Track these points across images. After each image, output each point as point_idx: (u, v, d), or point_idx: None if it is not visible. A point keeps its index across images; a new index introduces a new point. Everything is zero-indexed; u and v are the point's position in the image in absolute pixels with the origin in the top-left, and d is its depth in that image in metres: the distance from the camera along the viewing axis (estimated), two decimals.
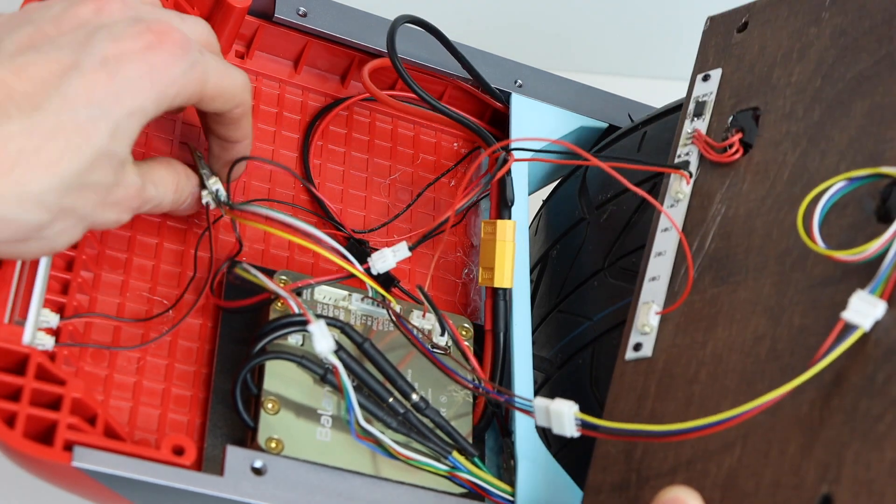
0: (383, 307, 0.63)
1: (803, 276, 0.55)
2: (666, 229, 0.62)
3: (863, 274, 0.52)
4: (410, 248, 0.62)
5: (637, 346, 0.60)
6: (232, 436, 0.59)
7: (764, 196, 0.59)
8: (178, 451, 0.54)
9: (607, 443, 0.58)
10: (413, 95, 0.70)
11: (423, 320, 0.64)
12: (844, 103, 0.58)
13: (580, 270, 0.72)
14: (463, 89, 0.73)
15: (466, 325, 0.66)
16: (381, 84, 0.72)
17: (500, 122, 0.74)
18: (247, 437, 0.59)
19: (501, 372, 0.65)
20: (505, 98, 0.73)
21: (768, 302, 0.56)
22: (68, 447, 0.52)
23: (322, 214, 0.68)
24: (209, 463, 0.58)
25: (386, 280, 0.64)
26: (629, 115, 0.76)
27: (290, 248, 0.66)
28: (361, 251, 0.65)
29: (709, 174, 0.62)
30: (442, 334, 0.64)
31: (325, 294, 0.64)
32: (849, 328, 0.50)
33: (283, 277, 0.63)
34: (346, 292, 0.64)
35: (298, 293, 0.63)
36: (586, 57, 1.13)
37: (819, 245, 0.52)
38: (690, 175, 0.63)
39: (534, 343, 0.72)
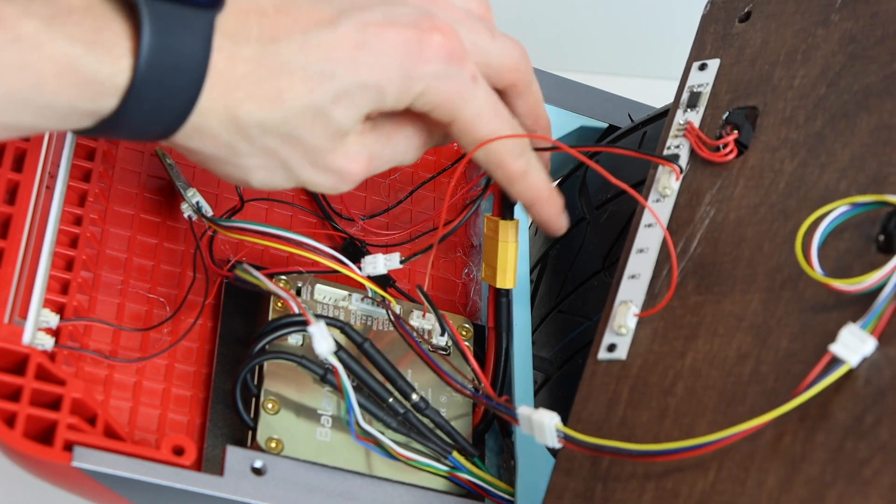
0: (383, 307, 0.63)
1: (794, 296, 0.52)
2: (650, 225, 0.59)
3: (857, 305, 0.50)
4: (402, 262, 0.62)
5: (611, 347, 0.57)
6: (232, 436, 0.59)
7: (757, 204, 0.56)
8: (178, 451, 0.54)
9: None
10: None
11: (423, 320, 0.64)
12: (849, 117, 0.55)
13: (580, 270, 0.71)
14: None
15: (466, 325, 0.66)
16: None
17: None
18: (247, 437, 0.59)
19: (504, 370, 0.65)
20: None
21: (755, 319, 0.53)
22: (68, 447, 0.52)
23: (321, 214, 0.68)
24: (209, 463, 0.58)
25: (381, 279, 0.64)
26: (629, 115, 0.75)
27: None
28: (358, 251, 0.65)
29: (699, 172, 0.59)
30: (442, 334, 0.64)
31: (325, 294, 0.64)
32: (835, 362, 0.48)
33: (283, 277, 0.63)
34: (346, 292, 0.64)
35: (298, 293, 0.63)
36: (586, 57, 1.13)
37: (816, 271, 0.50)
38: (681, 170, 0.59)
39: (534, 343, 0.72)
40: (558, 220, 0.61)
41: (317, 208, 0.68)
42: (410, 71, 0.53)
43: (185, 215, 0.62)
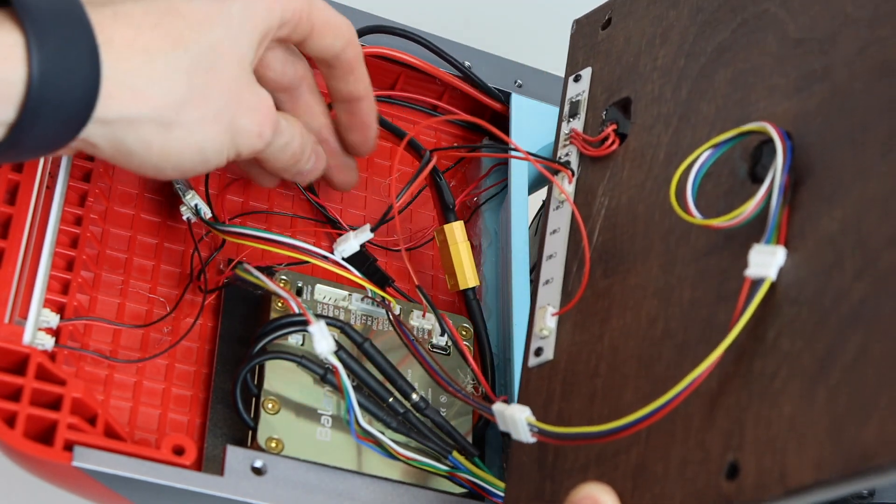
0: (383, 307, 0.63)
1: (688, 250, 0.55)
2: (554, 231, 0.62)
3: (745, 235, 0.52)
4: (372, 230, 0.63)
5: (538, 352, 0.59)
6: (232, 436, 0.59)
7: (643, 180, 0.59)
8: (179, 450, 0.54)
9: (520, 453, 0.57)
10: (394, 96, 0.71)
11: (423, 320, 0.65)
12: (708, 76, 0.58)
13: None
14: (462, 91, 0.72)
15: (466, 325, 0.66)
16: (381, 83, 0.72)
17: (499, 123, 0.73)
18: (247, 436, 0.59)
19: (492, 369, 0.65)
20: (505, 98, 0.73)
21: (657, 283, 0.56)
22: (68, 447, 0.52)
23: (321, 216, 0.68)
24: (209, 463, 0.58)
25: (381, 279, 0.64)
26: None
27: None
28: (357, 250, 0.65)
29: (590, 170, 0.62)
30: (441, 335, 0.64)
31: (325, 294, 0.64)
32: (755, 284, 0.50)
33: (284, 277, 0.63)
34: (346, 292, 0.64)
35: (298, 293, 0.63)
36: None
37: (695, 216, 0.52)
38: (573, 173, 0.63)
39: None
40: (372, 134, 0.65)
41: (317, 213, 0.68)
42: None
43: (184, 217, 0.62)
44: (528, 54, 0.80)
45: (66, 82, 0.49)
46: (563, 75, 0.75)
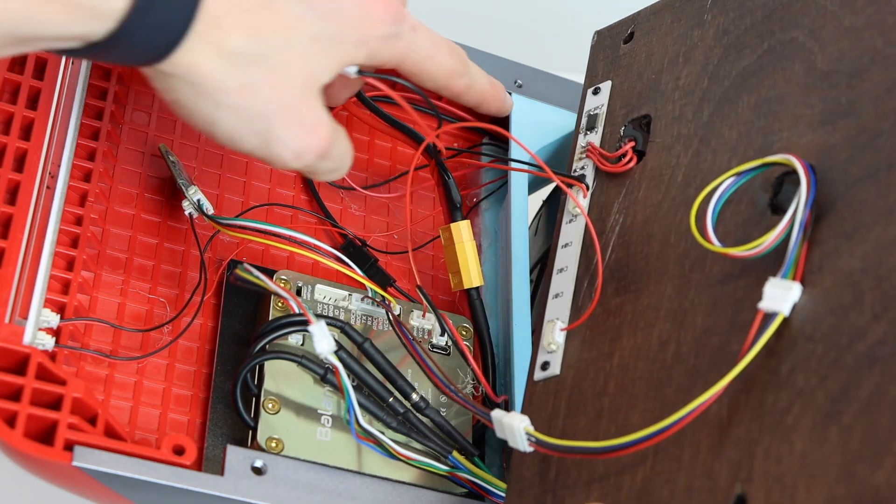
0: (383, 307, 0.63)
1: (703, 276, 0.55)
2: (566, 245, 0.62)
3: (762, 267, 0.52)
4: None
5: (545, 366, 0.59)
6: (232, 435, 0.59)
7: (660, 201, 0.59)
8: (179, 450, 0.54)
9: (522, 466, 0.57)
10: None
11: (423, 320, 0.65)
12: (732, 100, 0.58)
13: None
14: None
15: (466, 324, 0.66)
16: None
17: (499, 123, 0.74)
18: (247, 436, 0.59)
19: (493, 369, 0.65)
20: None
21: (670, 306, 0.55)
22: (69, 447, 0.53)
23: (322, 215, 0.68)
24: (209, 462, 0.58)
25: (382, 279, 0.64)
26: None
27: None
28: (359, 250, 0.65)
29: (605, 186, 0.62)
30: (441, 334, 0.64)
31: (325, 294, 0.64)
32: (768, 318, 0.50)
33: (284, 277, 0.63)
34: (346, 292, 0.64)
35: (298, 293, 0.63)
36: (586, 57, 1.13)
37: (714, 244, 0.52)
38: (588, 187, 0.62)
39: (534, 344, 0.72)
40: (504, 105, 0.67)
41: (316, 208, 0.68)
42: (362, 31, 0.56)
43: (186, 213, 0.62)
44: (528, 54, 0.80)
45: (148, 39, 0.50)
46: (563, 75, 0.75)
